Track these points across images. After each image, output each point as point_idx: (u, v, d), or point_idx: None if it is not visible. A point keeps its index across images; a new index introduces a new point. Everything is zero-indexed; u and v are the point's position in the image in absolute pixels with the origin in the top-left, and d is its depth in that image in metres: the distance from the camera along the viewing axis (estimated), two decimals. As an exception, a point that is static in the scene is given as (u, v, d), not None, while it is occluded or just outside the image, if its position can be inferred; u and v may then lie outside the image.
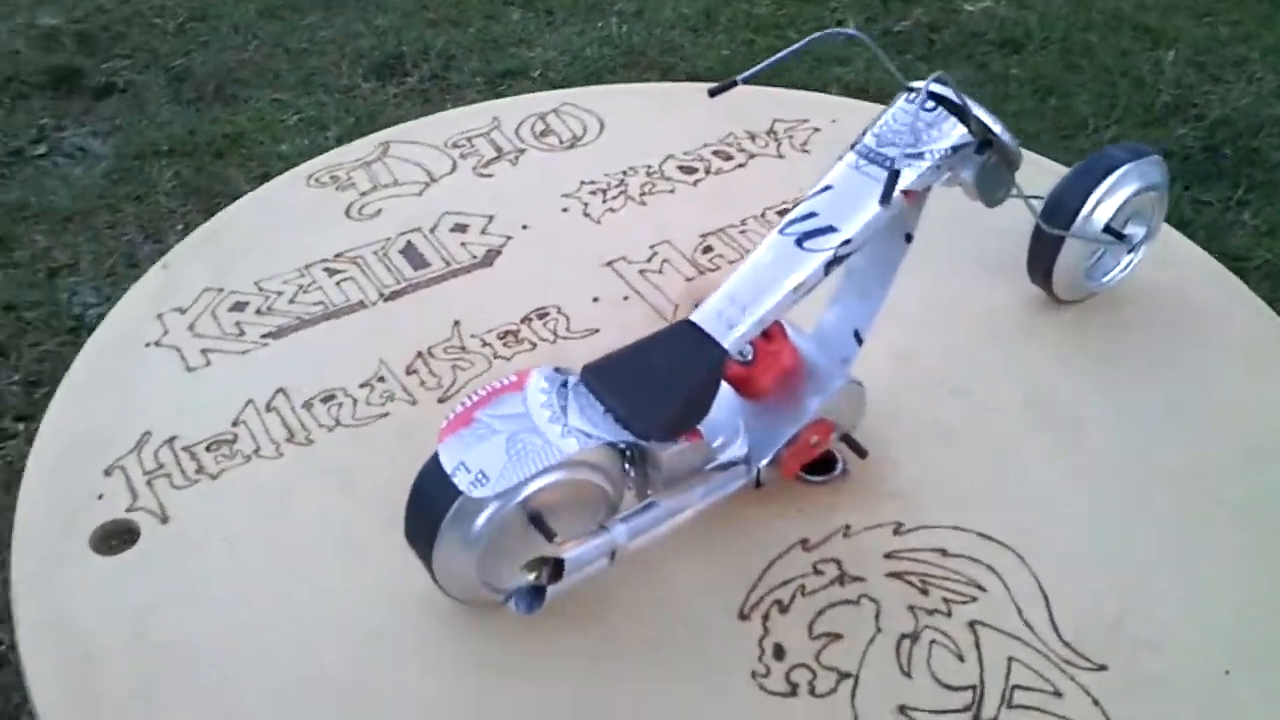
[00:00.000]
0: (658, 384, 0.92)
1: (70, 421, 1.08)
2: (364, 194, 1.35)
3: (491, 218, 1.32)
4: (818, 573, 0.98)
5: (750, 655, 0.92)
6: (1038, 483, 1.06)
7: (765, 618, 0.95)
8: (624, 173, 1.39)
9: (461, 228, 1.31)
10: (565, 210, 1.34)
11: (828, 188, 0.96)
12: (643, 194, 1.36)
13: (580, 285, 1.22)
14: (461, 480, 0.84)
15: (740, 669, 0.91)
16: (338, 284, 1.23)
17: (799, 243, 0.93)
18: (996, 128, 0.96)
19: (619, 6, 3.85)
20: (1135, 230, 1.21)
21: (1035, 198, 1.09)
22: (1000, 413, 1.13)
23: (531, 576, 0.87)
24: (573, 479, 0.88)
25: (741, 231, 1.32)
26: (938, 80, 0.93)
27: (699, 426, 1.00)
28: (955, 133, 0.95)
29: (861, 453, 1.06)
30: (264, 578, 0.96)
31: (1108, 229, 1.16)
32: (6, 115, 3.28)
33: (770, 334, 0.99)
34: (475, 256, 1.27)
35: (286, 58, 3.60)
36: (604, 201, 1.35)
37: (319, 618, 0.92)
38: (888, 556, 1.00)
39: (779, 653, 0.93)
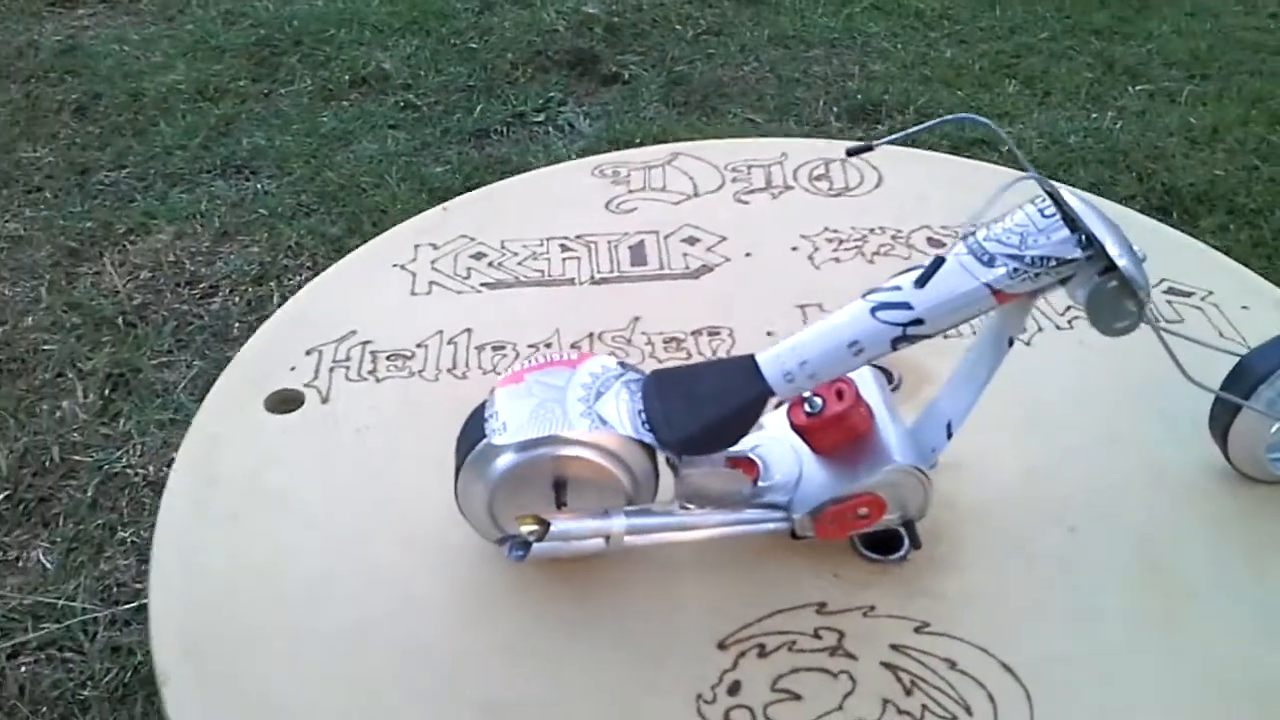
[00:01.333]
0: (696, 401, 0.98)
1: (311, 304, 1.32)
2: (631, 192, 1.48)
3: (723, 239, 1.41)
4: (816, 636, 0.99)
5: (705, 681, 0.96)
6: (1106, 646, 0.99)
7: (741, 655, 0.98)
8: (870, 230, 1.42)
9: (692, 240, 1.40)
10: (794, 249, 1.39)
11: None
12: (876, 254, 1.39)
13: (762, 318, 1.28)
14: (489, 425, 0.96)
15: (689, 690, 0.95)
16: (563, 260, 1.38)
17: (873, 311, 0.95)
18: (1114, 250, 0.91)
19: (1123, 102, 3.70)
20: None
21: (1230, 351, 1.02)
22: (1099, 560, 1.05)
23: (523, 530, 0.97)
24: (589, 459, 0.96)
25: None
26: (1036, 180, 0.91)
27: (755, 460, 1.04)
28: (1061, 244, 0.92)
29: (915, 543, 1.04)
30: (370, 470, 1.12)
31: None
32: (525, 83, 3.76)
33: (843, 394, 1.01)
34: (688, 268, 1.36)
35: (775, 84, 3.81)
36: (834, 251, 1.39)
37: (401, 529, 1.07)
38: (894, 648, 0.98)
39: (733, 689, 0.95)
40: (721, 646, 0.98)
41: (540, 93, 3.78)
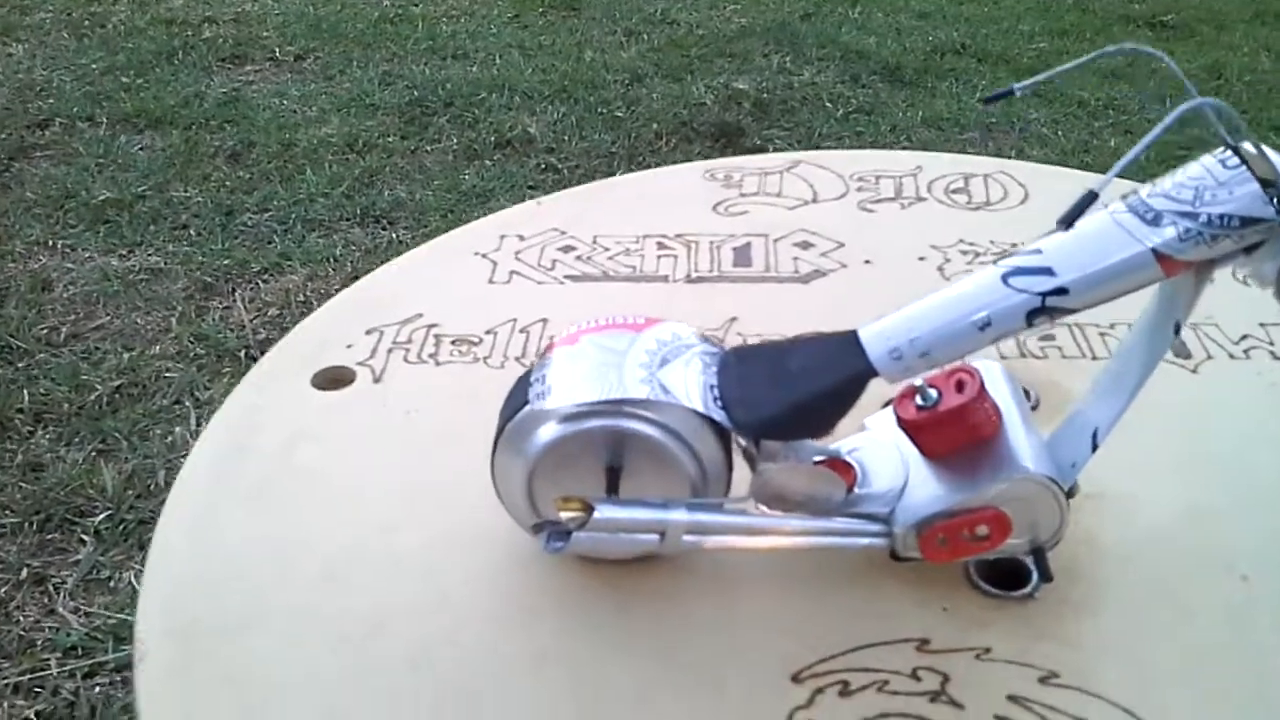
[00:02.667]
0: (782, 379, 0.82)
1: (380, 286, 1.21)
2: (744, 195, 1.34)
3: (841, 245, 1.25)
4: (914, 677, 0.81)
5: (774, 718, 0.78)
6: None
7: (819, 691, 0.80)
8: (1012, 245, 1.24)
9: (806, 245, 1.25)
10: (921, 259, 1.22)
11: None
12: (1016, 268, 1.20)
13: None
14: (533, 390, 0.82)
15: (749, 724, 0.77)
16: (658, 257, 1.24)
17: (1005, 278, 0.78)
18: None
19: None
20: None
21: None
22: (1275, 606, 0.84)
23: (563, 515, 0.81)
24: (646, 434, 0.81)
25: (1101, 333, 1.12)
26: (1214, 109, 0.73)
27: (852, 463, 0.87)
28: (1247, 201, 0.73)
29: (1046, 575, 0.85)
30: (413, 451, 1.00)
31: None
32: (667, 152, 3.70)
33: (965, 385, 0.84)
34: (798, 272, 1.21)
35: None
36: (969, 263, 1.22)
37: (435, 517, 0.94)
38: (1012, 699, 0.79)
39: (807, 730, 0.77)
40: (795, 680, 0.80)
41: (682, 161, 3.69)
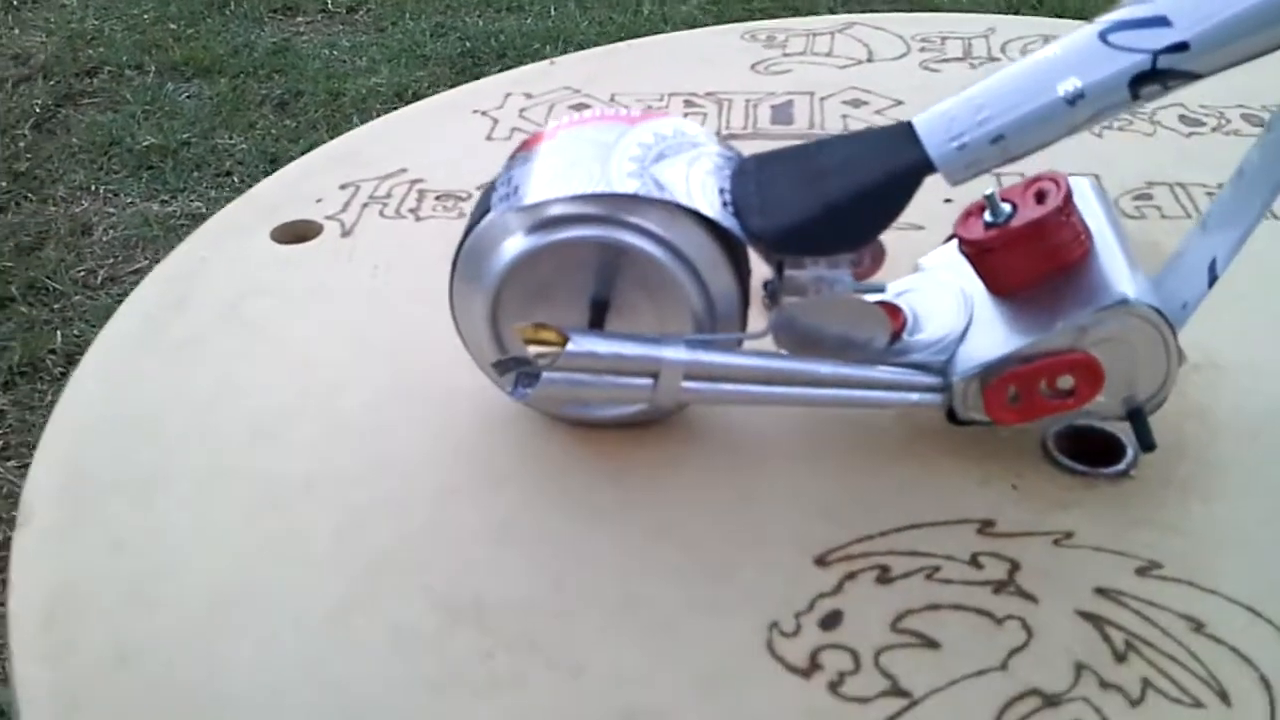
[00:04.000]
0: (813, 180, 0.64)
1: (365, 140, 1.06)
2: (786, 55, 1.16)
3: (899, 103, 1.06)
4: (974, 564, 0.63)
5: (789, 606, 0.61)
6: None
7: (849, 577, 0.62)
8: (1101, 105, 1.05)
9: (858, 103, 1.07)
10: (992, 119, 1.04)
11: None
12: (1101, 129, 1.02)
13: (938, 193, 0.93)
14: (496, 194, 0.65)
15: (761, 615, 0.60)
16: (685, 115, 1.07)
17: (1104, 35, 0.60)
18: None
19: None
20: None
21: None
22: None
23: (530, 349, 0.64)
24: (637, 250, 0.64)
25: (1208, 192, 0.93)
26: None
27: (901, 307, 0.69)
28: None
29: (1147, 443, 0.66)
30: (376, 309, 0.84)
31: None
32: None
33: (1046, 196, 0.65)
34: (846, 129, 1.03)
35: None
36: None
37: (392, 376, 0.78)
38: (1099, 592, 0.61)
39: (829, 621, 0.60)
40: (821, 563, 0.63)
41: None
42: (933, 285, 0.71)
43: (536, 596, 0.61)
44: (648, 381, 0.65)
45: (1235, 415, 0.72)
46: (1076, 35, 0.60)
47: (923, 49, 1.17)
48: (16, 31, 3.26)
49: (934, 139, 0.62)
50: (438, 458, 0.70)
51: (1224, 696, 0.56)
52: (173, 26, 3.92)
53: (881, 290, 0.69)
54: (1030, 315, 0.65)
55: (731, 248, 0.65)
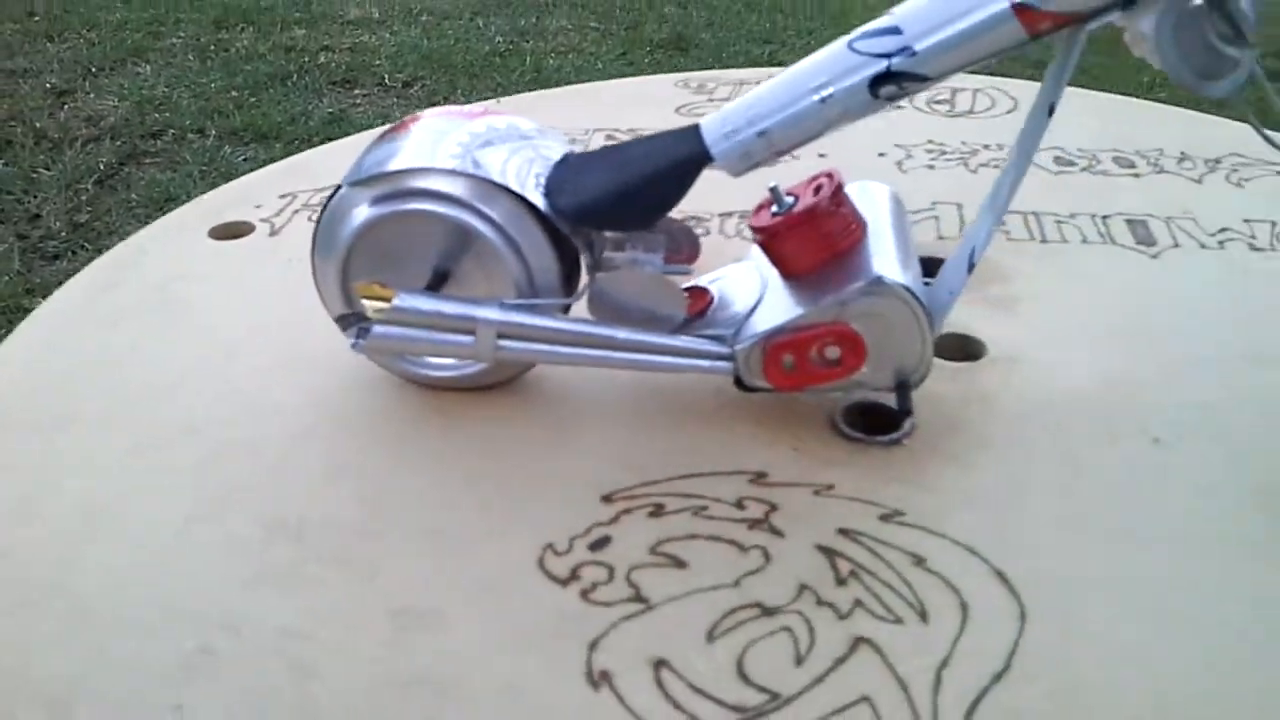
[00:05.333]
0: (614, 168, 0.75)
1: (315, 159, 1.17)
2: (711, 100, 1.27)
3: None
4: (738, 506, 0.71)
5: (566, 531, 0.70)
6: (1148, 576, 0.66)
7: (627, 512, 0.71)
8: (984, 145, 1.14)
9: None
10: (881, 155, 1.14)
11: None
12: (982, 165, 1.11)
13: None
14: (346, 176, 0.77)
15: (541, 537, 0.69)
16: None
17: (852, 43, 0.70)
18: None
19: None
20: None
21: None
22: (1178, 479, 0.72)
23: (365, 303, 0.75)
24: (463, 222, 0.74)
25: (1059, 221, 1.01)
26: None
27: (709, 289, 0.79)
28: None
29: (905, 408, 0.74)
30: (283, 293, 0.94)
31: None
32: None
33: (823, 189, 0.75)
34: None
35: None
36: (931, 160, 1.12)
37: (282, 348, 0.88)
38: (841, 532, 0.69)
39: (599, 544, 0.69)
40: (607, 500, 0.72)
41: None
42: (743, 272, 0.80)
43: (352, 521, 0.71)
44: (468, 339, 0.74)
45: (1016, 402, 0.79)
46: (832, 45, 0.70)
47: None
48: (93, 95, 3.50)
49: (712, 135, 0.71)
50: (301, 411, 0.80)
51: (923, 615, 0.63)
52: (236, 95, 4.15)
53: (688, 273, 0.78)
54: (805, 293, 0.74)
55: (550, 228, 0.75)
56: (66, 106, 2.60)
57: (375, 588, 0.66)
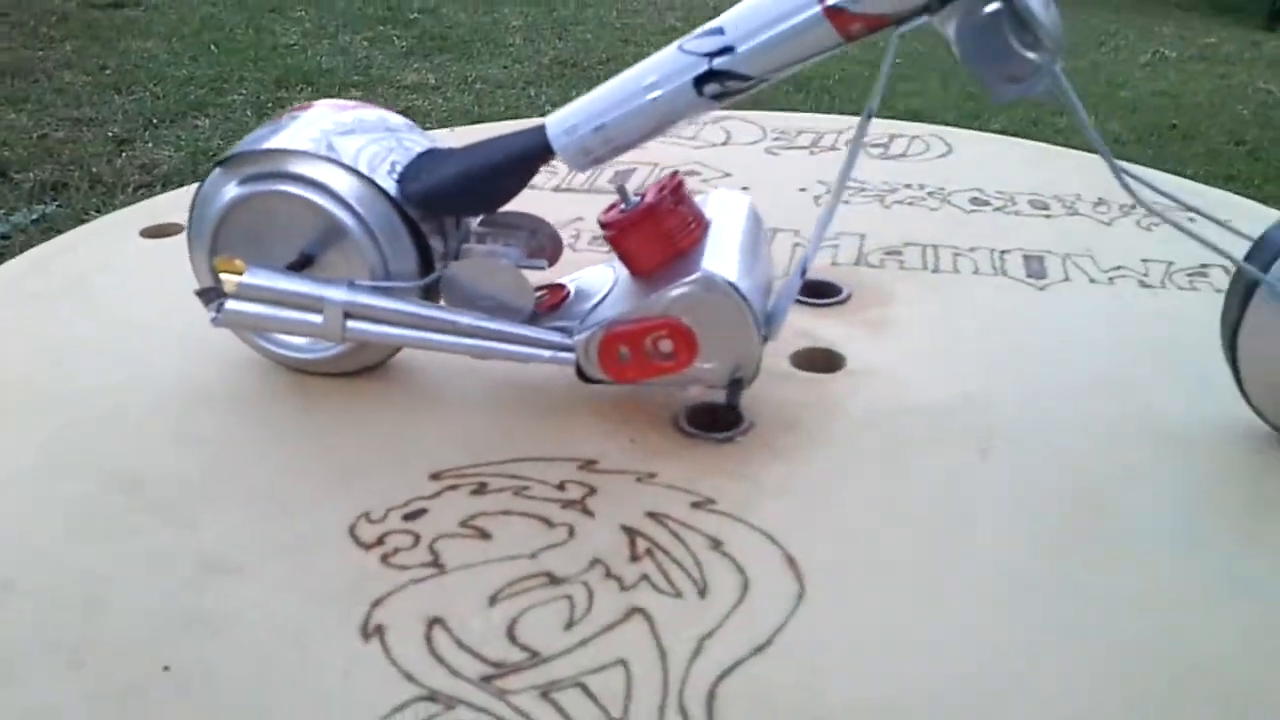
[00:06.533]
0: (461, 160, 0.78)
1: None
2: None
3: (727, 175, 1.20)
4: (560, 488, 0.73)
5: (386, 502, 0.72)
6: (917, 569, 0.67)
7: (452, 488, 0.73)
8: (905, 185, 1.16)
9: (692, 174, 1.21)
10: (802, 190, 1.16)
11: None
12: (897, 203, 1.13)
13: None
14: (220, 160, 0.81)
15: (360, 506, 0.72)
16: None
17: (681, 45, 0.73)
18: None
19: None
20: None
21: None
22: (997, 486, 0.73)
23: (223, 277, 0.79)
24: (317, 205, 0.77)
25: (956, 254, 1.02)
26: None
27: (566, 286, 0.82)
28: (920, -57, 0.67)
29: (731, 403, 0.76)
30: (187, 280, 0.97)
31: None
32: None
33: (669, 190, 0.78)
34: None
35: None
36: (848, 196, 1.14)
37: (183, 330, 0.91)
38: (650, 515, 0.71)
39: (414, 515, 0.71)
40: (435, 477, 0.74)
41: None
42: (600, 270, 0.83)
43: (186, 480, 0.74)
44: (319, 318, 0.77)
45: (859, 410, 0.80)
46: (666, 48, 0.73)
47: (775, 139, 1.30)
48: (151, 145, 3.62)
49: (554, 130, 0.75)
50: (171, 386, 0.84)
51: (703, 592, 0.64)
52: (287, 148, 4.28)
53: (542, 268, 0.81)
54: (645, 288, 0.76)
55: (405, 215, 0.78)
56: (124, 154, 2.71)
57: (190, 539, 0.68)
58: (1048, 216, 1.09)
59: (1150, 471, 0.74)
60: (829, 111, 3.44)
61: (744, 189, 1.16)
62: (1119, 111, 3.61)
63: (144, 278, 1.00)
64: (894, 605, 0.63)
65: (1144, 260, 1.00)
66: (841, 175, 0.73)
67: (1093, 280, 0.97)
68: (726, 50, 0.70)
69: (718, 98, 0.71)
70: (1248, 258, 0.73)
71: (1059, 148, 1.33)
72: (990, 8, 0.65)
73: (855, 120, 1.33)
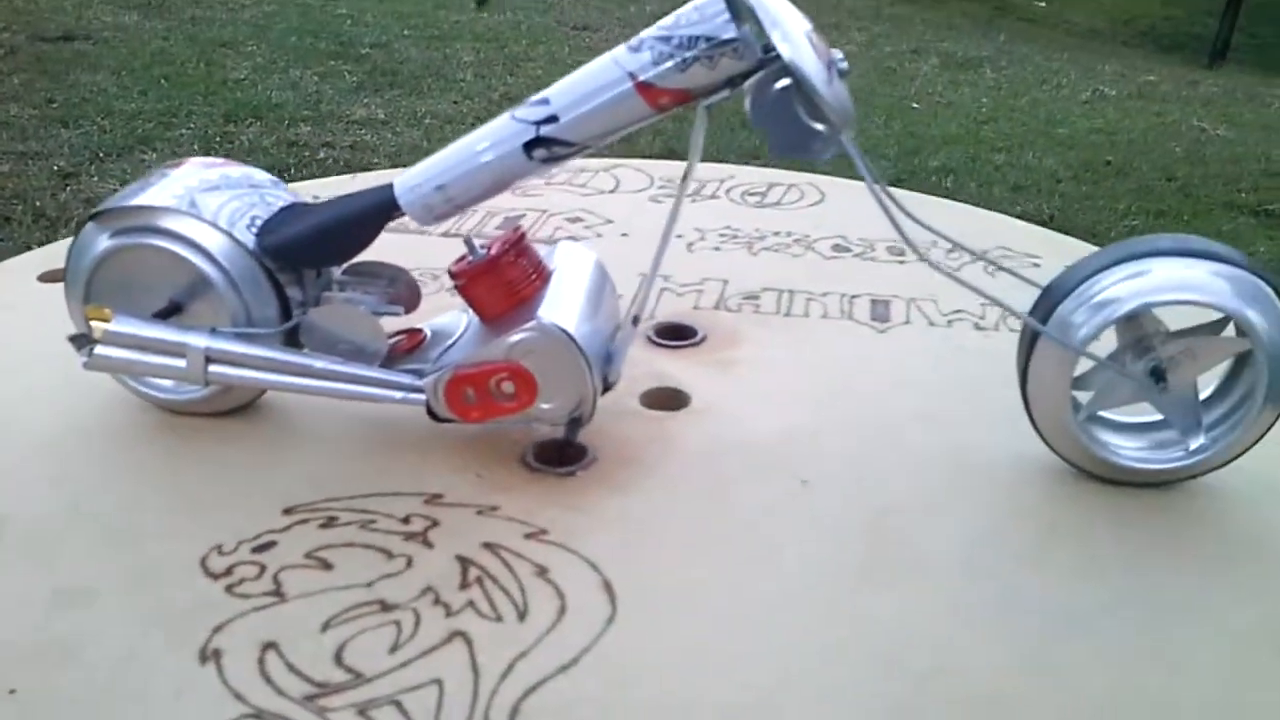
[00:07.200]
0: (315, 215, 0.84)
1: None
2: (549, 184, 1.37)
3: (609, 222, 1.26)
4: (404, 521, 0.78)
5: (238, 535, 0.77)
6: (747, 590, 0.73)
7: (302, 522, 0.78)
8: (774, 233, 1.23)
9: (576, 220, 1.27)
10: (678, 237, 1.22)
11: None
12: (764, 249, 1.19)
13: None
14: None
15: (213, 540, 0.76)
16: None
17: (513, 114, 0.79)
18: (774, 34, 0.72)
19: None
20: (1180, 376, 0.78)
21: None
22: (812, 514, 0.79)
23: (92, 323, 0.83)
24: (184, 259, 0.82)
25: (809, 299, 1.09)
26: None
27: (423, 330, 0.87)
28: (715, 24, 0.73)
29: (569, 439, 0.82)
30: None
31: (1121, 354, 0.79)
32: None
33: (510, 244, 0.83)
34: (551, 237, 1.22)
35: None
36: (720, 242, 1.21)
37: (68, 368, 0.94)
38: (485, 545, 0.76)
39: (263, 547, 0.76)
40: (287, 512, 0.79)
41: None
42: (456, 316, 0.88)
43: (51, 518, 0.78)
44: (182, 362, 0.82)
45: (695, 445, 0.86)
46: (501, 115, 0.79)
47: (661, 187, 1.37)
48: (96, 179, 3.63)
49: (400, 188, 0.80)
50: (49, 424, 0.88)
51: (522, 616, 0.69)
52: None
53: (398, 314, 0.86)
54: (490, 334, 0.82)
55: (266, 266, 0.83)
56: (69, 188, 2.74)
57: (46, 571, 0.73)
58: (901, 262, 1.16)
59: (950, 502, 0.80)
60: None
61: (623, 235, 1.23)
62: (1056, 148, 3.73)
63: (31, 320, 1.04)
64: (696, 626, 0.68)
65: (983, 304, 1.06)
66: (665, 234, 0.80)
67: (932, 323, 1.04)
68: (551, 119, 0.76)
69: (546, 161, 0.78)
70: (1034, 307, 0.80)
71: (931, 196, 1.40)
72: (779, 85, 0.72)
73: (744, 168, 1.41)
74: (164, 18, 4.28)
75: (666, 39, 0.73)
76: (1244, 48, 6.58)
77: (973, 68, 4.77)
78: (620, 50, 0.76)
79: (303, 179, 4.38)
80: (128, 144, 3.27)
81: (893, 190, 0.73)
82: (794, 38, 0.71)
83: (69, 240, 1.11)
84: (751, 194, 1.35)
